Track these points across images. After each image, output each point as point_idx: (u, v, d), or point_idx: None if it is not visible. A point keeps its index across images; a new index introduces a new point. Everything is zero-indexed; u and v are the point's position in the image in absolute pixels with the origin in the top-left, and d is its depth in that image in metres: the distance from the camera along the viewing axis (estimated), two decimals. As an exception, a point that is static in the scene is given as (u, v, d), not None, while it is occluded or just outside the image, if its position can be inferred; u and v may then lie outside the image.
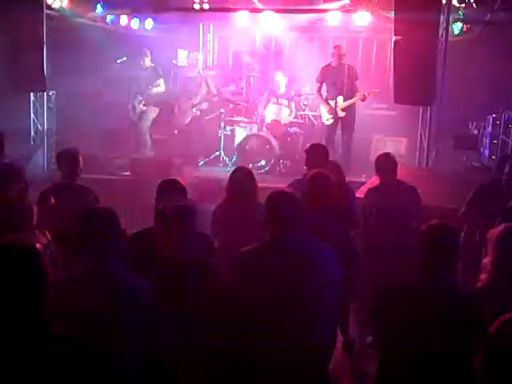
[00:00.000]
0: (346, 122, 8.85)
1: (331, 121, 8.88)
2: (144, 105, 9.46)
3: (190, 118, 9.76)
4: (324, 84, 8.97)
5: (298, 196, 3.28)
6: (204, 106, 9.85)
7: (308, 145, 6.08)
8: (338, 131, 8.96)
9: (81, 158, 5.01)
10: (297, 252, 3.12)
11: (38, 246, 2.02)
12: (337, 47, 8.87)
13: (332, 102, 8.80)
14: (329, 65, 8.95)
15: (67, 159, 4.99)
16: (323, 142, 7.63)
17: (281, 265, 3.06)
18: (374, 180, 6.25)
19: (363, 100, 8.82)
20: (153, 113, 9.57)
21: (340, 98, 8.74)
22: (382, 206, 5.33)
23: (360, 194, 6.32)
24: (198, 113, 9.79)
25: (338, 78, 8.68)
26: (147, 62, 9.39)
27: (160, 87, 9.49)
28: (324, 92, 9.03)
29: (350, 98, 8.74)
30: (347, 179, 5.71)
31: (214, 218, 4.55)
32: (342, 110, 8.78)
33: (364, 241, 5.30)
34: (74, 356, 1.95)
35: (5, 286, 1.94)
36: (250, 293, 3.06)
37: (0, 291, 1.94)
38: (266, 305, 3.02)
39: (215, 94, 9.91)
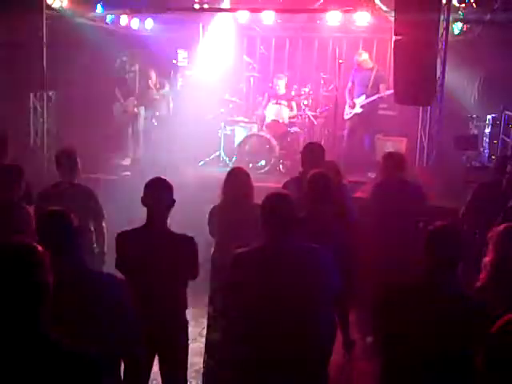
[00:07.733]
0: (362, 120, 9.14)
1: (349, 116, 9.21)
2: (137, 106, 9.48)
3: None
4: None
5: (294, 197, 3.26)
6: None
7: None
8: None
9: (78, 158, 5.01)
10: (292, 255, 3.11)
11: (40, 248, 1.98)
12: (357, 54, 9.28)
13: (356, 100, 9.12)
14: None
15: (64, 159, 4.99)
16: (322, 142, 7.70)
17: (275, 267, 3.06)
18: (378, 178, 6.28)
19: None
20: (144, 114, 9.65)
21: (363, 97, 9.07)
22: (382, 204, 5.34)
23: (364, 193, 6.35)
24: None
25: (365, 80, 9.07)
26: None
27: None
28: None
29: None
30: (352, 178, 5.74)
31: (211, 219, 4.57)
32: (361, 106, 9.06)
33: (365, 240, 5.30)
34: (72, 368, 1.88)
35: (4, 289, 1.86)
36: (246, 293, 3.08)
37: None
38: (260, 305, 3.03)
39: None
